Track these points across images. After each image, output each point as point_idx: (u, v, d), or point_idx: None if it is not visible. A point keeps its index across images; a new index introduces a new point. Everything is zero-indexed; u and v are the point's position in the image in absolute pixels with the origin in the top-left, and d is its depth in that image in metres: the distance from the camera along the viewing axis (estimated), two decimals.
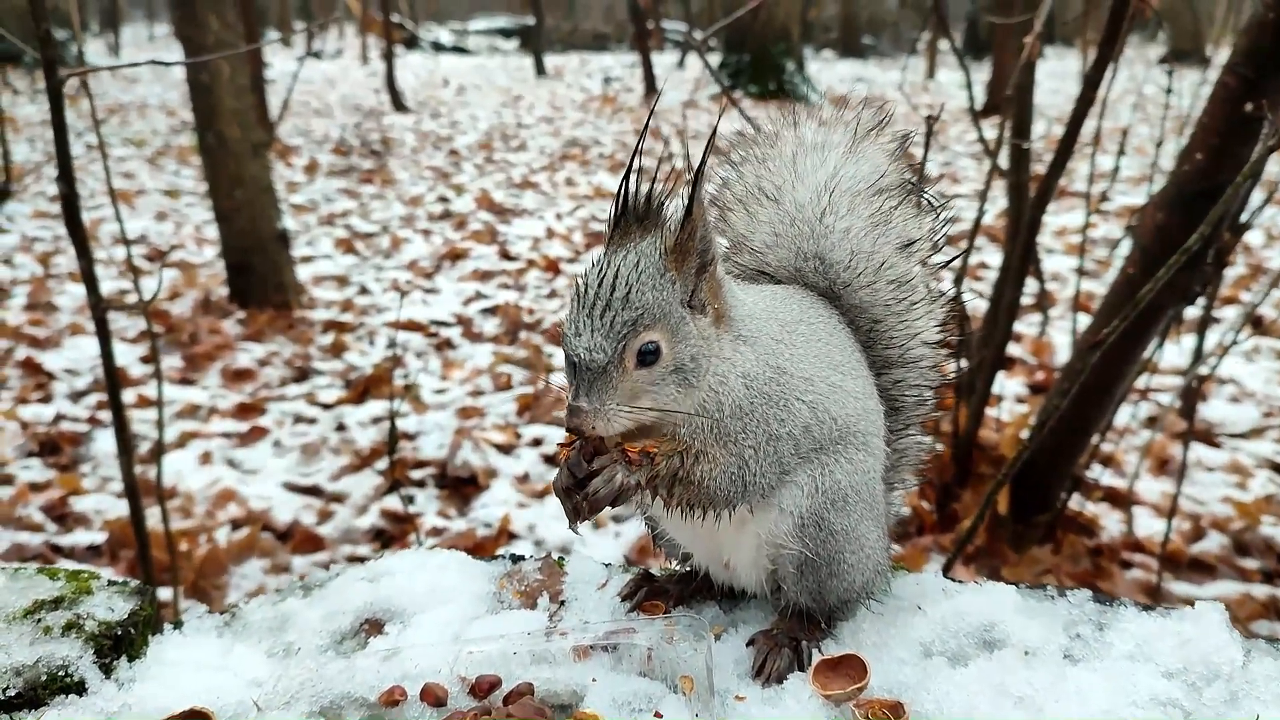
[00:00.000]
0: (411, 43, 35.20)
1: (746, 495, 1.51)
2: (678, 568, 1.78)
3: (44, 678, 1.56)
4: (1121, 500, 4.99)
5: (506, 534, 4.99)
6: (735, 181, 1.81)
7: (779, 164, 1.75)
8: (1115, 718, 1.39)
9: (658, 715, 1.42)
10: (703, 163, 1.42)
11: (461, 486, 5.53)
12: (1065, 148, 4.03)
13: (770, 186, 1.75)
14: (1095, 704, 1.41)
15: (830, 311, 1.70)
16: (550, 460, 5.81)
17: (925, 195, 1.80)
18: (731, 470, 1.49)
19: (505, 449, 5.91)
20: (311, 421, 6.33)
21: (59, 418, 6.23)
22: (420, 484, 5.57)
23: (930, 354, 1.79)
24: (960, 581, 1.75)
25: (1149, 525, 4.82)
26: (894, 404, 1.78)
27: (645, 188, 1.44)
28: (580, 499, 1.45)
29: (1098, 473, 5.17)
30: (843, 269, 1.72)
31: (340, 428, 6.21)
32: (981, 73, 18.73)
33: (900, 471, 1.83)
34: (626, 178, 1.43)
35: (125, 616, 1.68)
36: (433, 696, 1.50)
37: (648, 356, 1.40)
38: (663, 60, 27.87)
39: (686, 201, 1.41)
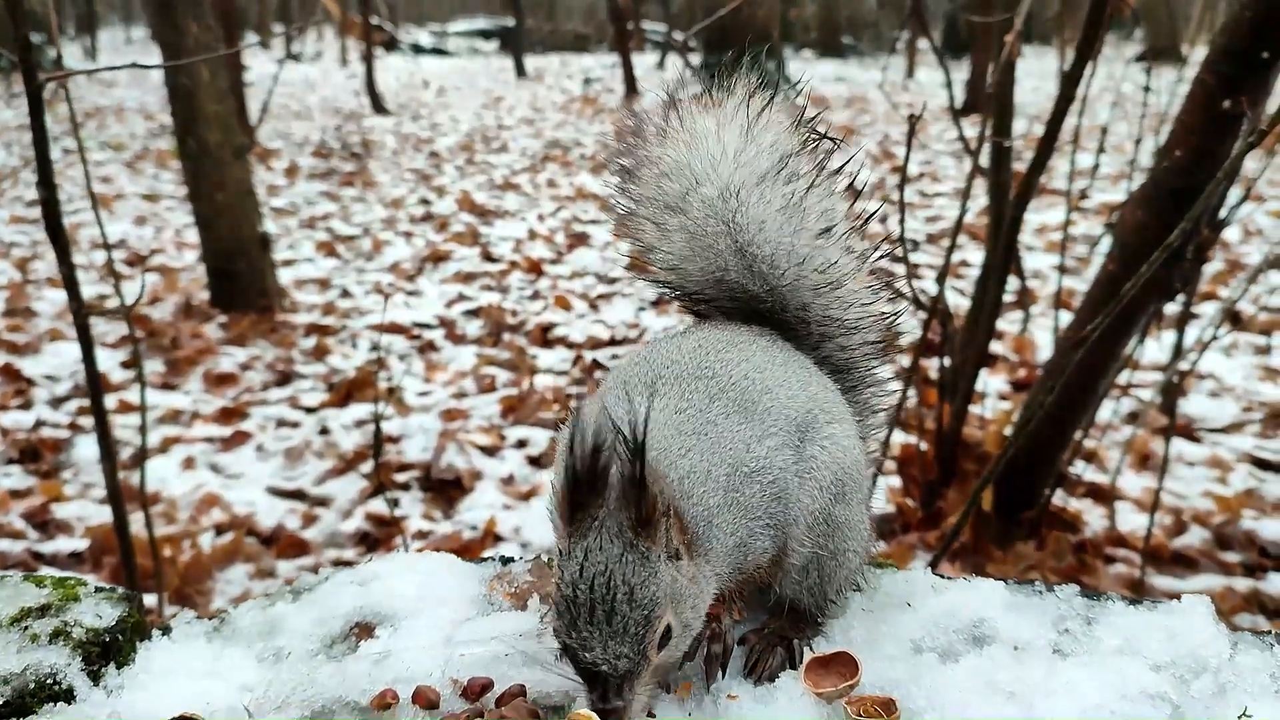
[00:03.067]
0: (391, 45, 35.10)
1: (785, 524, 1.52)
2: None
3: (32, 686, 1.55)
4: (1104, 496, 5.03)
5: (493, 536, 4.98)
6: (635, 188, 1.78)
7: (677, 164, 1.71)
8: (1105, 712, 1.39)
9: (651, 716, 1.42)
10: (643, 439, 1.26)
11: (446, 489, 5.52)
12: (1046, 145, 4.06)
13: (672, 197, 1.72)
14: (1085, 698, 1.42)
15: (740, 333, 1.66)
16: (535, 462, 5.81)
17: (824, 136, 1.75)
18: (765, 534, 1.50)
19: (490, 451, 5.90)
20: (295, 425, 6.31)
21: (39, 424, 6.19)
22: (405, 487, 5.55)
23: (867, 313, 1.79)
24: (949, 578, 1.76)
25: (1132, 520, 4.86)
26: (847, 364, 1.79)
27: (589, 450, 1.29)
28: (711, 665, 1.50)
29: (1080, 469, 5.21)
30: (766, 265, 1.70)
31: (324, 431, 6.19)
32: (961, 72, 18.83)
33: (866, 419, 1.84)
34: (573, 451, 1.29)
35: (113, 623, 1.67)
36: (425, 699, 1.49)
37: (664, 639, 1.33)
38: (643, 61, 27.90)
39: (634, 474, 1.28)
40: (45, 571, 4.74)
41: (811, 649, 1.57)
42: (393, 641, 1.65)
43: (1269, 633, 1.57)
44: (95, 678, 1.60)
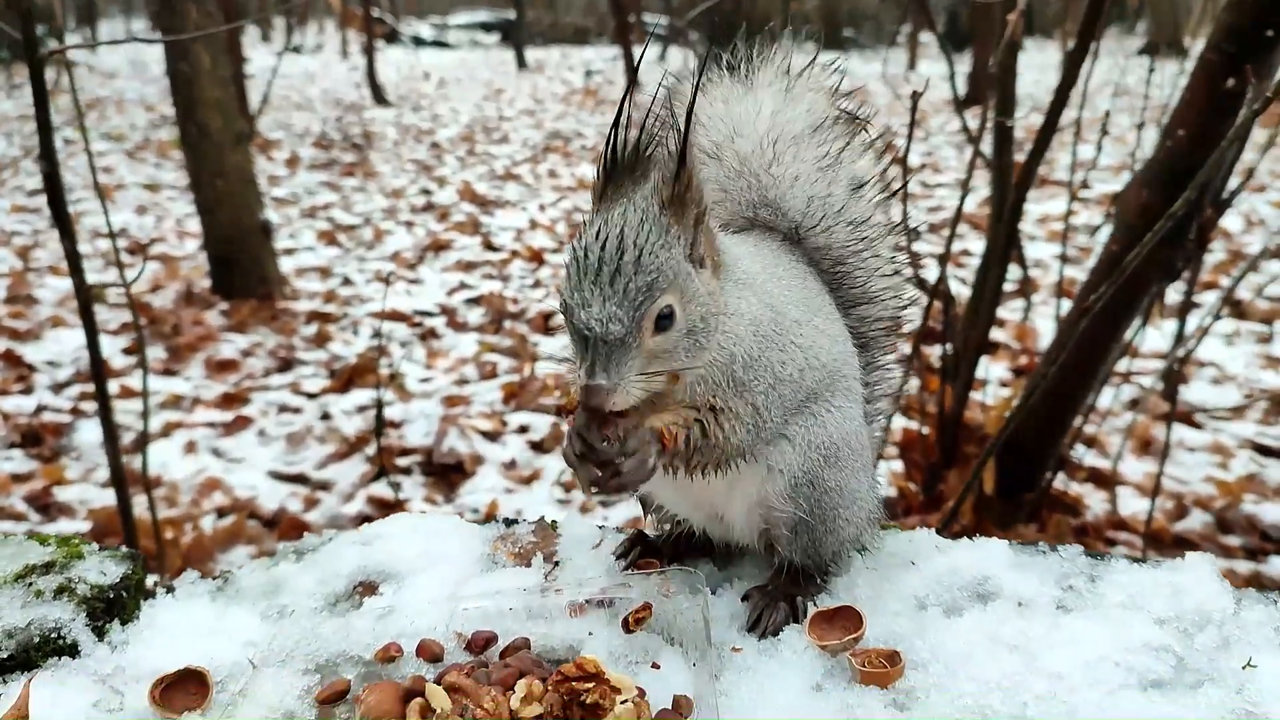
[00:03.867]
0: (392, 37, 35.06)
1: (758, 441, 1.49)
2: (670, 528, 1.78)
3: (36, 640, 1.55)
4: (1105, 480, 5.02)
5: (493, 519, 4.98)
6: (672, 138, 1.79)
7: (713, 116, 1.72)
8: (1109, 664, 1.40)
9: (655, 666, 1.42)
10: (690, 109, 1.38)
11: (448, 473, 5.52)
12: (1048, 128, 4.05)
13: (708, 144, 1.72)
14: (1089, 651, 1.42)
15: (796, 254, 1.69)
16: (537, 447, 5.80)
17: (861, 120, 1.76)
18: (747, 421, 1.46)
19: (492, 436, 5.90)
20: (296, 411, 6.31)
21: (41, 409, 6.18)
22: (407, 471, 5.55)
23: (891, 285, 1.79)
24: (953, 539, 1.76)
25: (1133, 504, 4.86)
26: (862, 340, 1.78)
27: (635, 136, 1.37)
28: (609, 477, 1.37)
29: (1081, 453, 5.20)
30: (800, 214, 1.70)
31: (325, 416, 6.19)
32: (962, 64, 18.80)
33: (875, 404, 1.83)
34: (615, 127, 1.36)
35: (117, 580, 1.67)
36: (429, 652, 1.49)
37: (664, 321, 1.32)
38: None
39: (678, 149, 1.34)
40: None
41: (815, 605, 1.57)
42: (397, 598, 1.66)
43: (1274, 589, 1.57)
44: (100, 633, 1.61)
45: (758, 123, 1.70)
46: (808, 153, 1.70)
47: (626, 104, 1.36)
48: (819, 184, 1.71)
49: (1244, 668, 1.37)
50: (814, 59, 1.75)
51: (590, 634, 1.50)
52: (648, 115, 1.40)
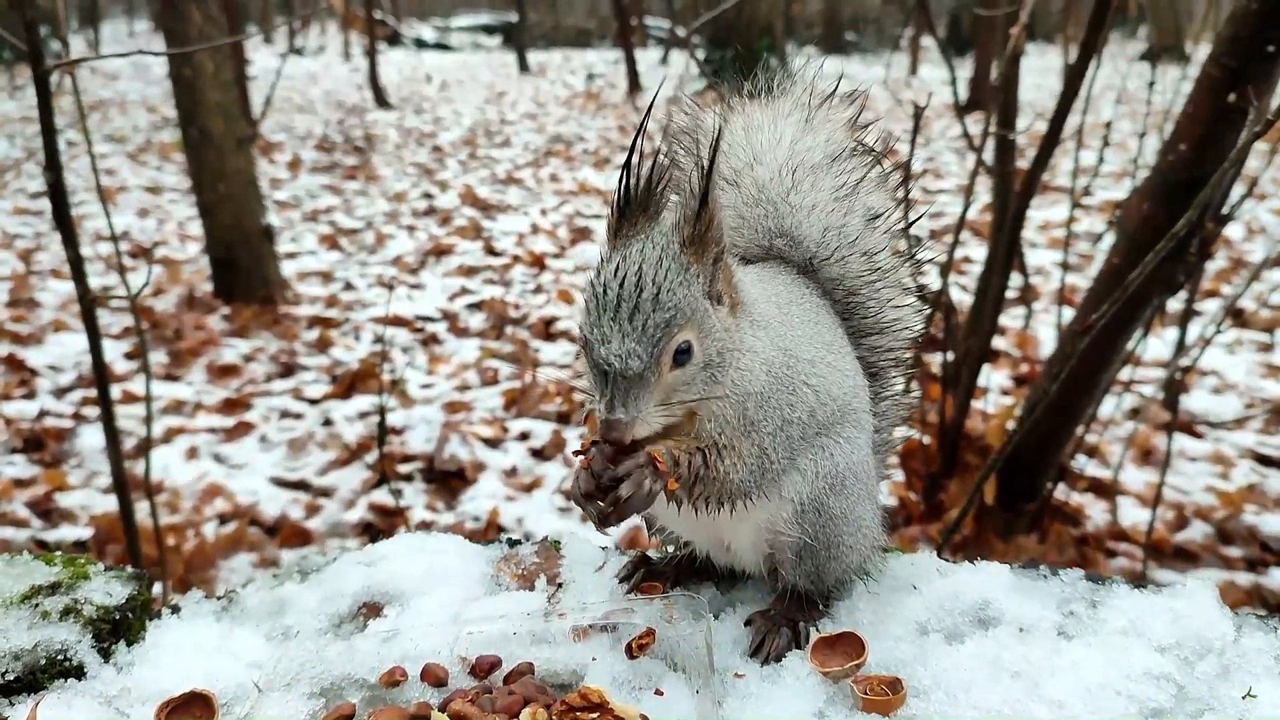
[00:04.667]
0: (394, 39, 35.10)
1: (762, 483, 1.50)
2: (673, 550, 1.79)
3: (43, 662, 1.56)
4: (1106, 490, 5.03)
5: (495, 527, 4.99)
6: (690, 164, 1.79)
7: (733, 144, 1.74)
8: (1109, 691, 1.40)
9: (658, 693, 1.43)
10: (714, 149, 1.38)
11: (449, 480, 5.53)
12: (1050, 138, 4.06)
13: (728, 170, 1.74)
14: (1090, 678, 1.42)
15: (811, 287, 1.70)
16: (538, 454, 5.81)
17: (877, 154, 1.77)
18: (752, 462, 1.47)
19: (493, 443, 5.91)
20: (298, 416, 6.32)
21: (43, 414, 6.19)
22: (408, 478, 5.56)
23: (903, 317, 1.80)
24: (954, 562, 1.77)
25: (1133, 515, 4.86)
26: (872, 370, 1.78)
27: (647, 173, 1.39)
28: (608, 506, 1.38)
29: (1082, 463, 5.21)
30: (815, 244, 1.71)
31: (327, 422, 6.20)
32: (964, 69, 18.80)
33: (883, 434, 1.84)
34: (628, 164, 1.38)
35: (123, 601, 1.67)
36: (433, 677, 1.50)
37: (681, 357, 1.35)
38: (646, 57, 27.88)
39: (700, 189, 1.35)
40: None
41: (817, 630, 1.57)
42: (401, 620, 1.66)
43: (1274, 615, 1.58)
44: (105, 655, 1.61)
45: (777, 151, 1.71)
46: (825, 182, 1.71)
47: (638, 142, 1.36)
48: (835, 214, 1.72)
49: (1244, 698, 1.38)
50: (834, 89, 1.76)
51: (594, 659, 1.51)
52: (658, 154, 1.41)
